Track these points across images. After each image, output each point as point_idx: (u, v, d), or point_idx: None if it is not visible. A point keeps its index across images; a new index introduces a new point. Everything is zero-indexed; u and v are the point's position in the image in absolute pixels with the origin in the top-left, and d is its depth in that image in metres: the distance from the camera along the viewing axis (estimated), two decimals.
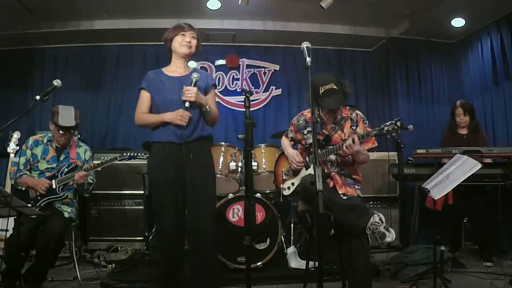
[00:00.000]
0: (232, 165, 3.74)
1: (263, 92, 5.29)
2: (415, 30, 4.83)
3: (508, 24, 4.21)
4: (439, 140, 4.17)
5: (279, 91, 5.31)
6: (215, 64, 5.23)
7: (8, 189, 2.88)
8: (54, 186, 2.94)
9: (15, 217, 2.55)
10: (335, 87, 2.48)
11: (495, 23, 4.38)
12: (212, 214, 2.54)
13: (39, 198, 2.92)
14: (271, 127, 5.10)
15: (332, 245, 2.60)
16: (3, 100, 4.83)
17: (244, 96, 2.40)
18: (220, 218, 3.34)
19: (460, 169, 2.67)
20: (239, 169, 3.77)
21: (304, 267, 2.73)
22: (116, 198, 4.32)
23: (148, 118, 2.56)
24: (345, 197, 2.48)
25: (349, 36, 5.01)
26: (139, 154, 3.07)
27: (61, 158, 3.08)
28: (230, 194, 3.48)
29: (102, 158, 3.02)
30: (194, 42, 2.59)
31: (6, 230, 2.74)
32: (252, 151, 2.44)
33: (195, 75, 2.47)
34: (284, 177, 2.97)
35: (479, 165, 2.61)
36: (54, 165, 3.05)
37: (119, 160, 2.99)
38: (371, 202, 4.22)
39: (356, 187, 2.60)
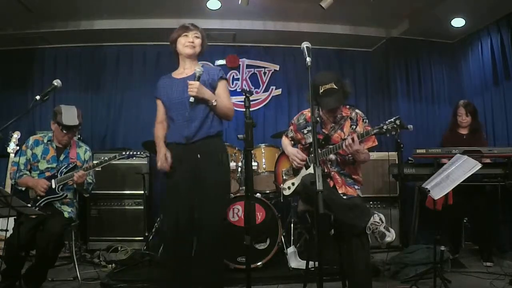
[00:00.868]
0: (232, 165, 3.73)
1: (263, 92, 5.29)
2: (415, 30, 4.83)
3: (508, 24, 4.21)
4: (439, 140, 4.17)
5: (279, 91, 5.31)
6: (215, 64, 5.22)
7: (8, 189, 2.88)
8: (53, 186, 2.94)
9: (15, 217, 2.56)
10: (335, 86, 2.48)
11: (495, 23, 4.38)
12: (221, 215, 2.54)
13: (38, 198, 2.92)
14: (271, 127, 5.10)
15: (332, 245, 2.60)
16: (3, 100, 4.83)
17: (244, 96, 2.41)
18: None
19: (460, 169, 2.66)
20: (239, 169, 3.78)
21: (304, 267, 2.72)
22: (116, 198, 4.32)
23: (157, 140, 2.64)
24: (345, 197, 2.47)
25: (349, 36, 5.01)
26: (138, 153, 3.07)
27: (61, 158, 3.08)
28: (230, 194, 3.48)
29: (102, 158, 3.01)
30: (197, 41, 2.59)
31: (6, 230, 2.75)
32: (252, 151, 2.45)
33: (197, 69, 2.48)
34: (284, 177, 2.97)
35: (479, 165, 2.61)
36: (54, 165, 3.04)
37: (118, 159, 2.99)
38: (371, 202, 4.22)
39: (356, 187, 2.60)
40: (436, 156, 3.57)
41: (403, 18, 4.69)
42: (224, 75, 2.67)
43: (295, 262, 3.37)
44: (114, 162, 3.03)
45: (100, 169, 3.08)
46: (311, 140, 2.54)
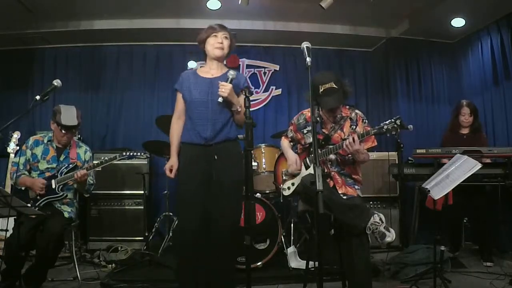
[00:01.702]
0: None
1: (263, 92, 5.29)
2: (415, 30, 4.83)
3: (508, 24, 4.21)
4: (439, 140, 4.17)
5: (279, 91, 5.31)
6: None
7: (8, 189, 2.88)
8: (53, 186, 2.94)
9: (15, 217, 2.56)
10: (335, 86, 2.48)
11: (495, 23, 4.38)
12: (234, 218, 2.52)
13: (38, 198, 2.92)
14: (271, 127, 5.10)
15: (332, 245, 2.60)
16: (3, 100, 4.84)
17: (244, 96, 2.40)
18: None
19: (460, 169, 2.66)
20: None
21: (304, 267, 2.72)
22: (116, 198, 4.32)
23: (171, 138, 2.64)
24: (345, 197, 2.48)
25: (349, 36, 5.01)
26: (138, 154, 3.07)
27: (61, 158, 3.08)
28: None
29: (102, 158, 3.02)
30: (226, 43, 2.58)
31: (6, 230, 2.74)
32: (252, 151, 2.45)
33: (231, 72, 2.47)
34: (284, 177, 2.96)
35: (479, 165, 2.61)
36: (54, 165, 3.04)
37: (118, 160, 2.99)
38: (371, 202, 4.22)
39: (356, 187, 2.60)
40: (436, 156, 3.57)
41: (403, 18, 4.69)
42: (249, 84, 2.66)
43: (295, 262, 3.37)
44: (114, 162, 3.03)
45: (100, 169, 3.08)
46: (311, 140, 2.54)
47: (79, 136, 4.23)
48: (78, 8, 4.33)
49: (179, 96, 2.62)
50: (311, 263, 2.66)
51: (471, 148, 3.45)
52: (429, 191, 2.70)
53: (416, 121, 4.88)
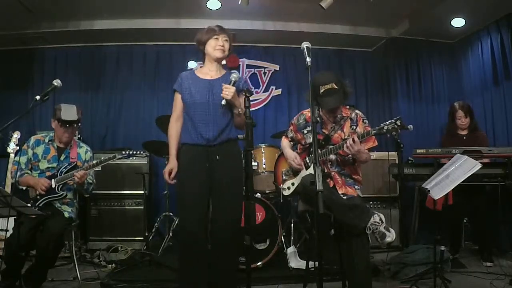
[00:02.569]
0: None
1: (263, 92, 5.29)
2: (415, 30, 4.83)
3: (508, 24, 4.21)
4: (439, 140, 4.17)
5: (279, 91, 5.31)
6: None
7: (8, 189, 2.87)
8: (53, 186, 2.94)
9: (15, 217, 2.56)
10: (335, 86, 2.48)
11: (495, 23, 4.38)
12: (235, 218, 2.52)
13: (38, 197, 2.92)
14: (271, 127, 5.10)
15: (332, 245, 2.60)
16: (3, 100, 4.83)
17: (244, 96, 2.40)
18: None
19: (460, 169, 2.66)
20: None
21: (304, 267, 2.72)
22: (116, 198, 4.33)
23: (170, 140, 2.64)
24: (345, 197, 2.48)
25: (349, 36, 5.01)
26: (137, 153, 3.07)
27: (62, 158, 3.08)
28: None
29: (102, 158, 3.01)
30: (227, 45, 2.60)
31: (6, 230, 2.74)
32: (252, 151, 2.45)
33: (234, 75, 2.49)
34: (284, 177, 2.97)
35: (479, 165, 2.61)
36: (54, 164, 3.04)
37: (117, 159, 2.99)
38: (371, 202, 4.22)
39: (356, 187, 2.60)
40: (436, 156, 3.57)
41: (403, 18, 4.69)
42: (249, 85, 2.67)
43: (295, 262, 3.37)
44: (114, 162, 3.03)
45: (100, 169, 3.08)
46: (311, 140, 2.54)
47: (79, 136, 4.23)
48: (78, 8, 4.33)
49: (178, 97, 2.62)
50: (311, 263, 2.67)
51: (471, 148, 3.45)
52: (429, 191, 2.70)
53: (416, 121, 4.88)
